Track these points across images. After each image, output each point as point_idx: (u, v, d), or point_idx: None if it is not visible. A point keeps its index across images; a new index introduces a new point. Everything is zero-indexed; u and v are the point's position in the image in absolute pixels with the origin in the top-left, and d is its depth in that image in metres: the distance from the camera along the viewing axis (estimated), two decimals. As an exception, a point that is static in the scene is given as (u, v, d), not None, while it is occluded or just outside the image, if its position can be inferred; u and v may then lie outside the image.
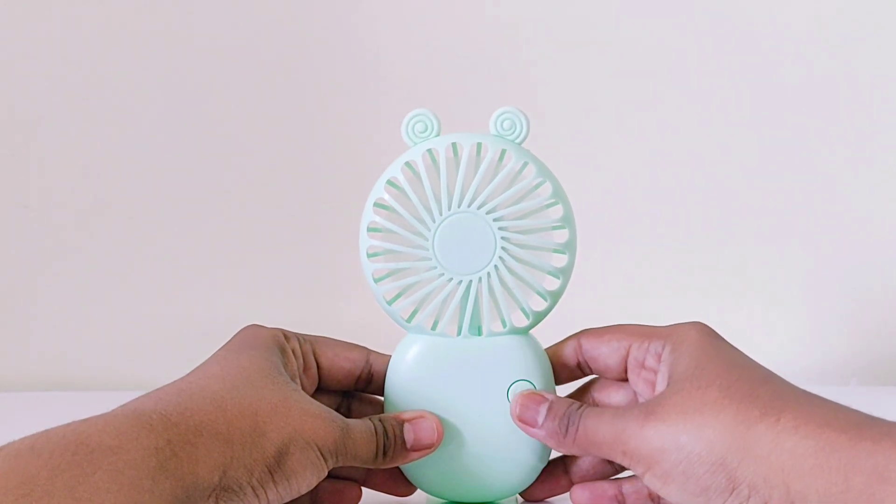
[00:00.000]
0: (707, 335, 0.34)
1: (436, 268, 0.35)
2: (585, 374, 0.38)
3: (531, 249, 0.36)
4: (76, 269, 0.64)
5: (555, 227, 0.36)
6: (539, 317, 0.37)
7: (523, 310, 0.36)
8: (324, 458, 0.31)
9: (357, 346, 0.38)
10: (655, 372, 0.35)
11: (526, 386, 0.36)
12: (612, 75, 0.64)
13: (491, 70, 0.64)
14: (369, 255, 0.36)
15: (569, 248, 0.36)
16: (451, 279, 0.35)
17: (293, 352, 0.36)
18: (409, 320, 0.36)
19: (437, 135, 0.36)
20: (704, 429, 0.30)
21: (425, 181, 0.36)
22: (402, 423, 0.35)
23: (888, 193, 0.64)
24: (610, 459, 0.34)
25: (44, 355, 0.63)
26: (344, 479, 0.38)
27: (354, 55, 0.63)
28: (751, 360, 0.33)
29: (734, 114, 0.64)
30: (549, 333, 0.38)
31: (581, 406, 0.34)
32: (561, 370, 0.38)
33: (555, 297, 0.37)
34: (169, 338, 0.62)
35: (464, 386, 0.36)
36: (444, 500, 0.38)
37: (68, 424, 0.28)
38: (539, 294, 0.36)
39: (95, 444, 0.27)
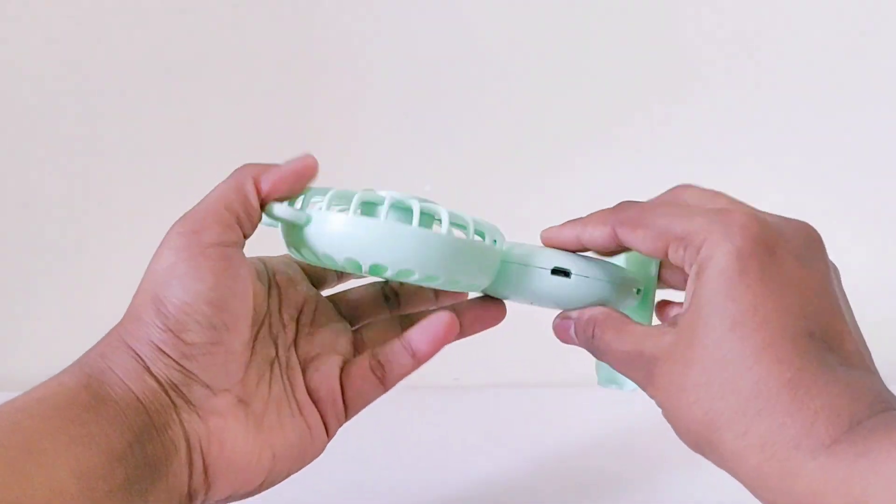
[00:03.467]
0: (739, 258, 0.27)
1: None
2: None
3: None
4: (76, 269, 0.64)
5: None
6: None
7: None
8: (188, 248, 0.30)
9: None
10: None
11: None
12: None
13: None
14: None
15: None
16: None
17: None
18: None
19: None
20: (699, 391, 0.28)
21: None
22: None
23: None
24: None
25: (44, 355, 0.63)
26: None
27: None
28: (781, 300, 0.27)
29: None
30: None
31: (606, 319, 0.33)
32: (602, 252, 0.35)
33: None
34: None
35: None
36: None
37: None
38: None
39: (22, 404, 0.28)
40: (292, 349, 0.36)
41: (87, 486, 0.26)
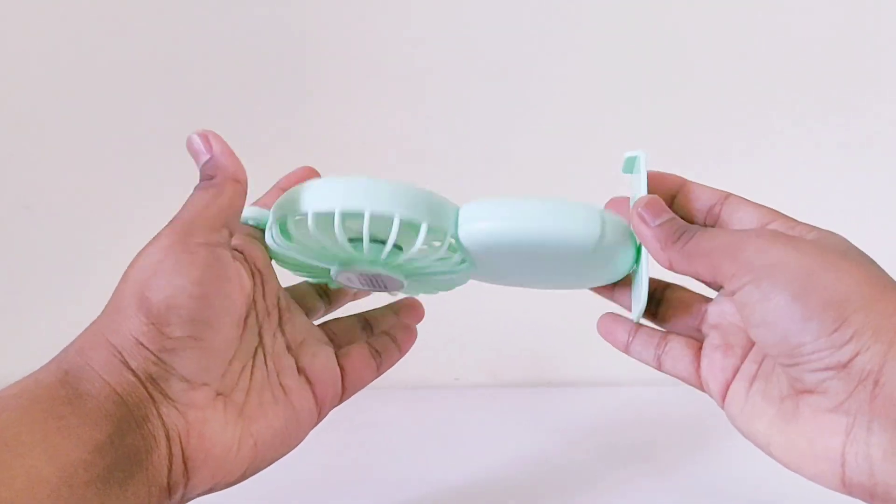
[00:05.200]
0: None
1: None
2: None
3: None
4: (76, 269, 0.64)
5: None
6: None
7: None
8: (177, 247, 0.31)
9: None
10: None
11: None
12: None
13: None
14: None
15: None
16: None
17: None
18: None
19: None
20: (841, 264, 0.29)
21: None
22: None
23: None
24: (710, 274, 0.32)
25: (44, 355, 0.63)
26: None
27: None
28: None
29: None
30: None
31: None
32: None
33: None
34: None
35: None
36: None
37: None
38: None
39: None
40: (278, 334, 0.36)
41: (67, 476, 0.26)
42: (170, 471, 0.30)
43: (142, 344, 0.30)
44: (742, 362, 0.34)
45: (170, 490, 0.30)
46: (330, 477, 0.55)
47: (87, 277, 0.64)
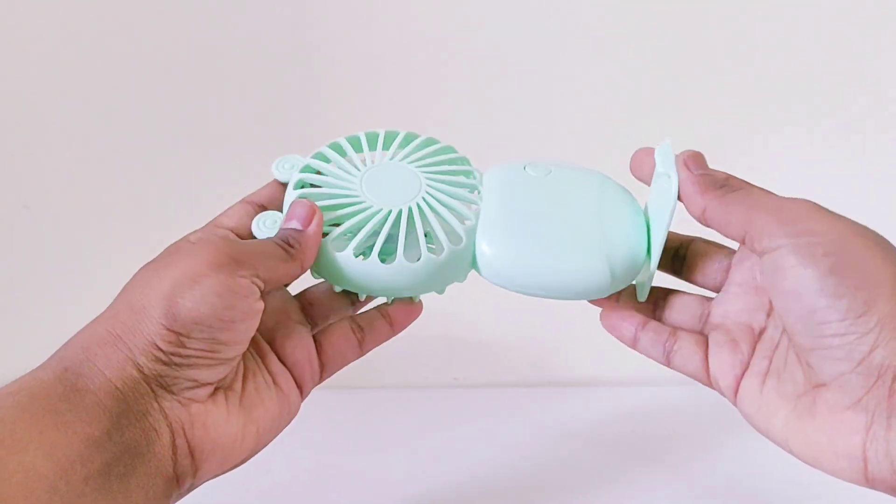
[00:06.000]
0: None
1: (364, 201, 0.36)
2: None
3: (453, 186, 0.38)
4: (76, 269, 0.64)
5: (467, 173, 0.39)
6: (472, 233, 0.37)
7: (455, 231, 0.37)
8: (226, 271, 0.31)
9: None
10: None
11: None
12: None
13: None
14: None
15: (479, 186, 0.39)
16: (381, 209, 0.36)
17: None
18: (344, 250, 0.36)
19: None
20: (877, 250, 0.29)
21: (349, 150, 0.39)
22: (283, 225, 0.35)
23: None
24: (744, 228, 0.31)
25: (44, 355, 0.63)
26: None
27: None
28: None
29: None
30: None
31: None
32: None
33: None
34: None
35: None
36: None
37: None
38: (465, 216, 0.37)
39: None
40: None
41: (64, 472, 0.26)
42: (175, 462, 0.30)
43: (158, 347, 0.30)
44: (750, 359, 0.34)
45: (178, 479, 0.31)
46: (330, 477, 0.55)
47: (87, 277, 0.64)
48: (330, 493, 0.53)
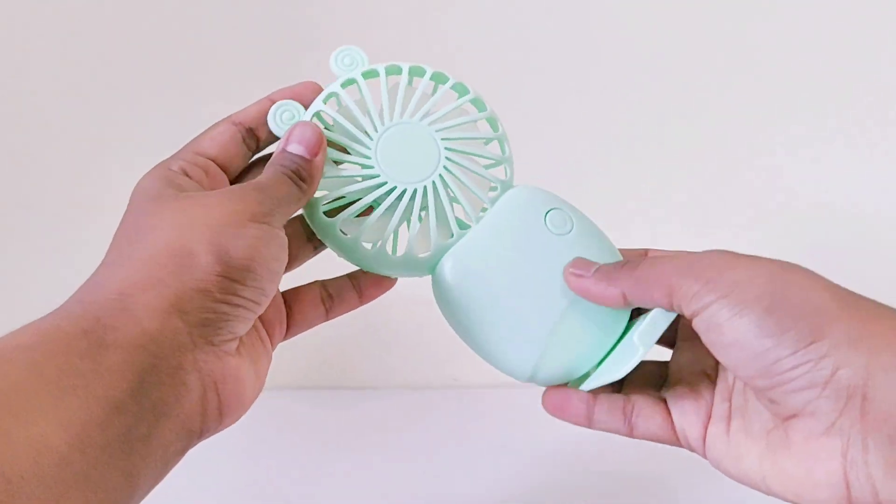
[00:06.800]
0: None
1: (379, 176, 0.35)
2: None
3: (472, 161, 0.36)
4: (76, 269, 0.64)
5: (489, 141, 0.37)
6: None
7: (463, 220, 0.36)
8: (264, 223, 0.30)
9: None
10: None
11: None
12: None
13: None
14: None
15: (507, 160, 0.37)
16: (395, 188, 0.35)
17: (183, 172, 0.34)
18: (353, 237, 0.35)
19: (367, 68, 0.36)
20: (806, 280, 0.28)
21: (366, 95, 0.35)
22: (285, 149, 0.33)
23: None
24: (668, 297, 0.30)
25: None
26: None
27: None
28: None
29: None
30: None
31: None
32: None
33: (494, 203, 0.36)
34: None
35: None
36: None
37: None
38: (483, 201, 0.36)
39: (8, 352, 0.25)
40: None
41: (79, 442, 0.24)
42: (204, 417, 0.29)
43: (209, 291, 0.28)
44: (712, 405, 0.33)
45: (201, 434, 0.29)
46: (329, 476, 0.55)
47: (87, 278, 0.64)
48: (329, 493, 0.53)
